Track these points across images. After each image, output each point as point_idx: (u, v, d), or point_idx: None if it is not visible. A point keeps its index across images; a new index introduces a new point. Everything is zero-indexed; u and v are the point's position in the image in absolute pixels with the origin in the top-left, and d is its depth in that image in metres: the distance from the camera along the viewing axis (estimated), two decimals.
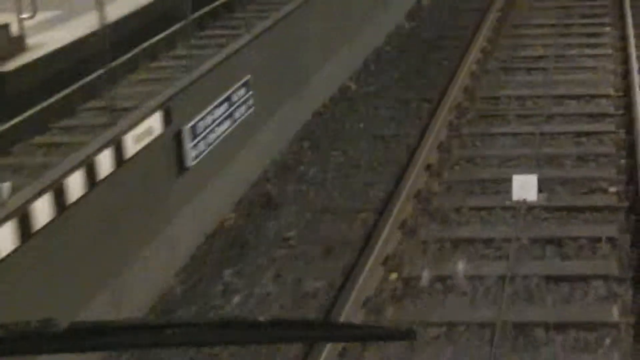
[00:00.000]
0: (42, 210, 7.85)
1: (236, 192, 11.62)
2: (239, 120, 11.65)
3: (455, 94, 14.28)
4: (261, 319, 2.36)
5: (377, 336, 2.58)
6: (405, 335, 2.57)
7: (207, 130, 10.82)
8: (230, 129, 11.40)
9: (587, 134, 12.88)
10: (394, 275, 9.71)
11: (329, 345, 8.09)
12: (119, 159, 8.98)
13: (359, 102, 14.72)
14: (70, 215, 8.27)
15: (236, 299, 9.38)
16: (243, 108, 11.76)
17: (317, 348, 8.11)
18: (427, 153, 12.10)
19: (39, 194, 7.80)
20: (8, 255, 7.42)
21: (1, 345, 2.31)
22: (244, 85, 11.74)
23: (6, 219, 7.39)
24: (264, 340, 2.49)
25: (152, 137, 9.60)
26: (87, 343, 2.36)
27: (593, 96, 14.30)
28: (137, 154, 9.30)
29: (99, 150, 8.65)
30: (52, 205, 7.97)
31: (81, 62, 11.49)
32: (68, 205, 8.17)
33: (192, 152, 10.49)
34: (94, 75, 10.38)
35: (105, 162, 8.77)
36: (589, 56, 16.17)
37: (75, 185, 8.31)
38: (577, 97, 14.27)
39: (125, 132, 9.06)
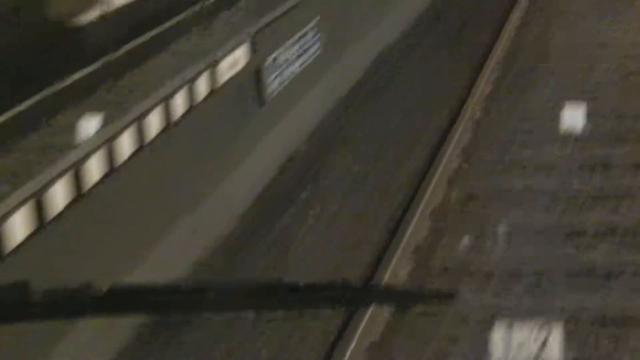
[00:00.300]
0: (154, 125, 8.99)
1: (307, 127, 12.67)
2: (309, 61, 12.72)
3: (505, 40, 15.36)
4: (301, 283, 2.37)
5: (418, 299, 2.60)
6: (446, 298, 2.74)
7: (283, 68, 11.89)
8: (301, 67, 12.47)
9: (630, 73, 13.88)
10: (455, 194, 10.77)
11: None
12: (213, 85, 10.07)
13: (415, 50, 15.77)
14: (174, 133, 9.38)
15: (311, 213, 10.48)
16: (312, 49, 12.82)
17: None
18: (484, 87, 13.21)
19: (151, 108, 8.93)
20: (124, 163, 8.53)
21: (43, 309, 2.32)
22: (314, 27, 12.80)
23: (127, 127, 8.52)
24: (304, 304, 2.52)
25: (238, 68, 10.69)
26: (126, 306, 2.46)
27: (633, 43, 15.30)
28: (226, 82, 10.39)
29: (198, 75, 9.75)
30: (162, 120, 9.10)
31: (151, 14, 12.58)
32: (173, 122, 9.29)
33: (270, 87, 11.57)
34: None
35: (201, 87, 9.87)
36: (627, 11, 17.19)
37: (178, 105, 9.42)
38: (618, 43, 15.29)
39: (218, 60, 10.15)
